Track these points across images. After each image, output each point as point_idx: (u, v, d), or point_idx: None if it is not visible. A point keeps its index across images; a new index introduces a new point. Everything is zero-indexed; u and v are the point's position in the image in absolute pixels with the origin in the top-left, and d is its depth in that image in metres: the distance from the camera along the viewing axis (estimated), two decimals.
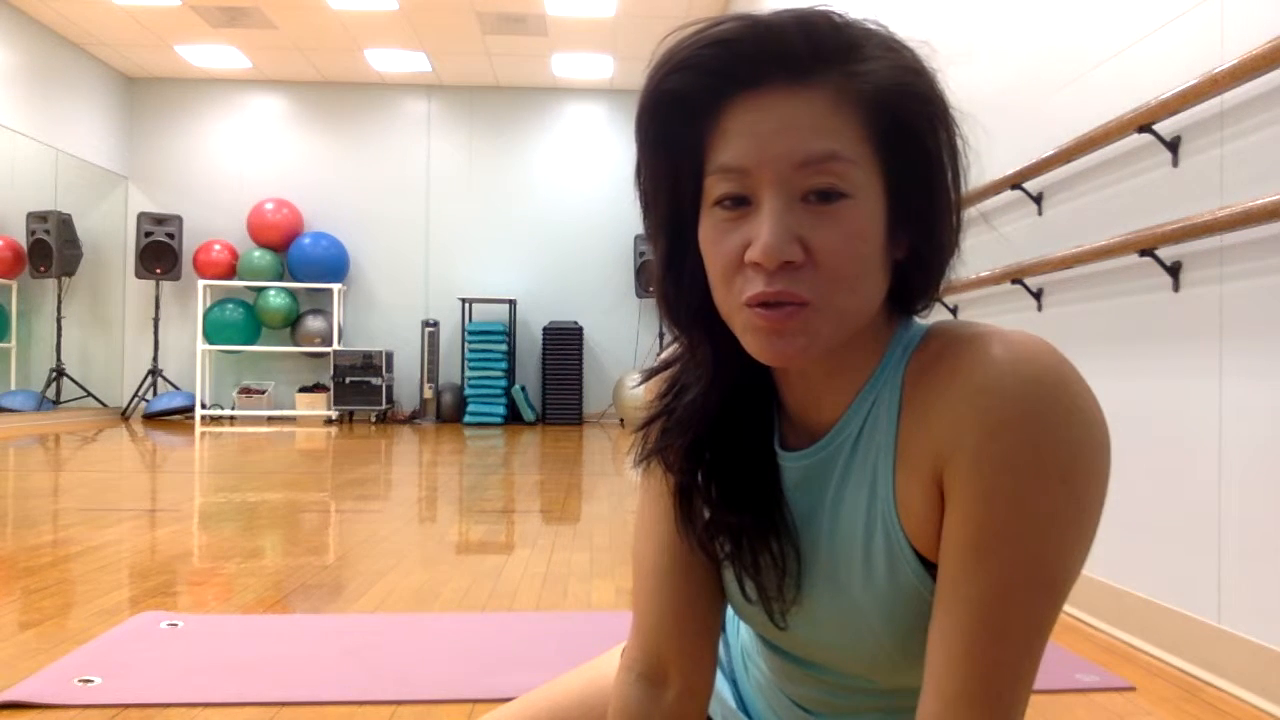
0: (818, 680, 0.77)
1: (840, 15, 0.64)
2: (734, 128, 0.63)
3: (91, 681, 1.58)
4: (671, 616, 0.76)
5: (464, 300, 9.85)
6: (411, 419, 9.85)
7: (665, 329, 0.73)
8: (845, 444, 0.69)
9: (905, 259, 0.66)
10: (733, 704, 0.88)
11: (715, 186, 0.64)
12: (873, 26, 0.65)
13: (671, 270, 0.69)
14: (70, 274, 9.11)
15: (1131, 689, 1.64)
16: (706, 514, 0.73)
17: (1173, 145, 1.83)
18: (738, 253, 0.62)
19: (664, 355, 0.78)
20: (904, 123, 0.63)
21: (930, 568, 0.65)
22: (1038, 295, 2.37)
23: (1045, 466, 0.58)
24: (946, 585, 0.61)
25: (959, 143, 0.66)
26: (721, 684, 0.89)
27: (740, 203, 0.63)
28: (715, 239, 0.64)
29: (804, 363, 0.64)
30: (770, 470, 0.73)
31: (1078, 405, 0.59)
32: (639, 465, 0.76)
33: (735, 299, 0.64)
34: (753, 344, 0.64)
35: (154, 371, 9.63)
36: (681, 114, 0.65)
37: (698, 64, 0.63)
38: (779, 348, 0.63)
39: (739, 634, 0.91)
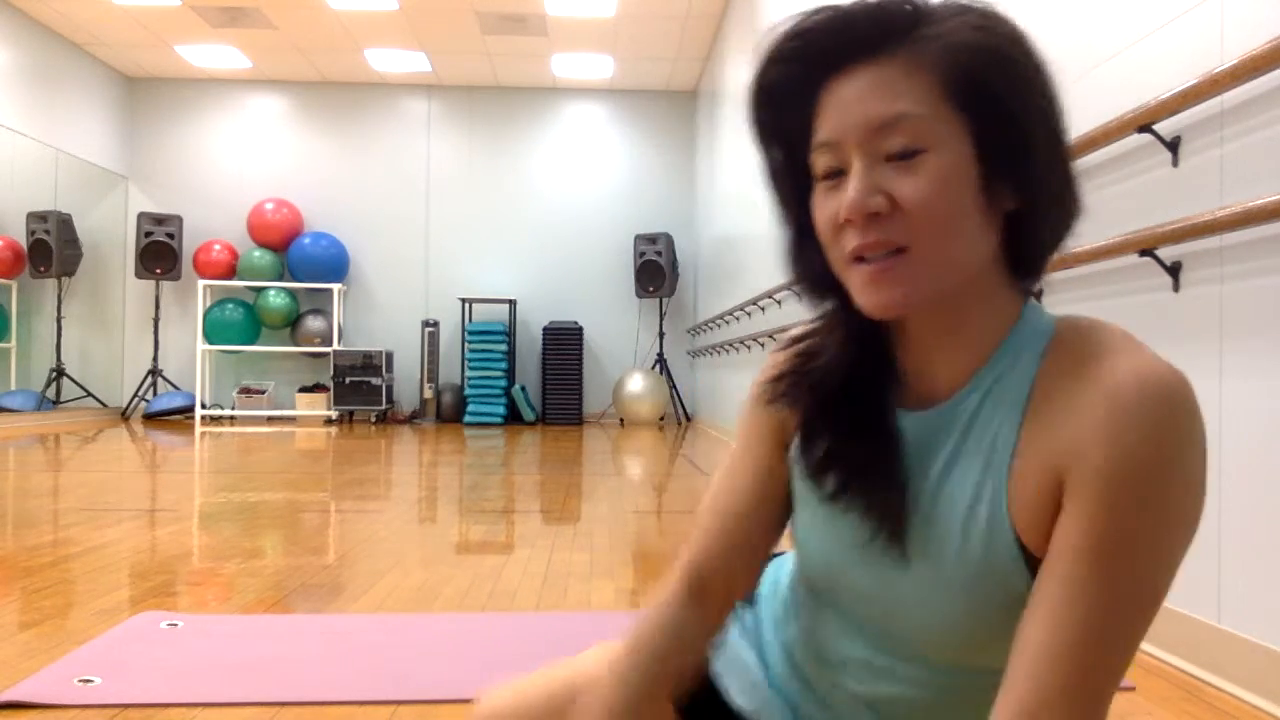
0: (864, 640, 0.78)
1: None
2: (823, 110, 0.69)
3: (91, 681, 1.58)
4: (737, 538, 0.82)
5: (464, 300, 9.86)
6: (411, 419, 9.85)
7: (805, 303, 0.80)
8: (964, 414, 0.71)
9: (1018, 211, 0.69)
10: (756, 669, 0.89)
11: (817, 163, 0.70)
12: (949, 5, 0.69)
13: (800, 244, 0.76)
14: (70, 274, 9.11)
15: (1131, 689, 1.64)
16: (824, 447, 0.76)
17: (1173, 145, 1.83)
18: (837, 216, 0.68)
19: (796, 331, 0.83)
20: (977, 77, 0.66)
21: (1025, 555, 0.67)
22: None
23: (1170, 484, 0.62)
24: (1055, 582, 0.63)
25: (1048, 95, 0.69)
26: (746, 650, 0.90)
27: (837, 174, 0.69)
28: (821, 207, 0.70)
29: (908, 310, 0.68)
30: (890, 421, 0.75)
31: (1198, 433, 0.63)
32: (771, 402, 0.80)
33: (842, 259, 0.69)
34: (861, 298, 0.68)
35: (154, 371, 9.63)
36: (780, 103, 0.72)
37: (783, 56, 0.70)
38: (882, 297, 0.67)
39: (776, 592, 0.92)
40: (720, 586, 0.82)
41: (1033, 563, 0.67)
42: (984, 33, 0.67)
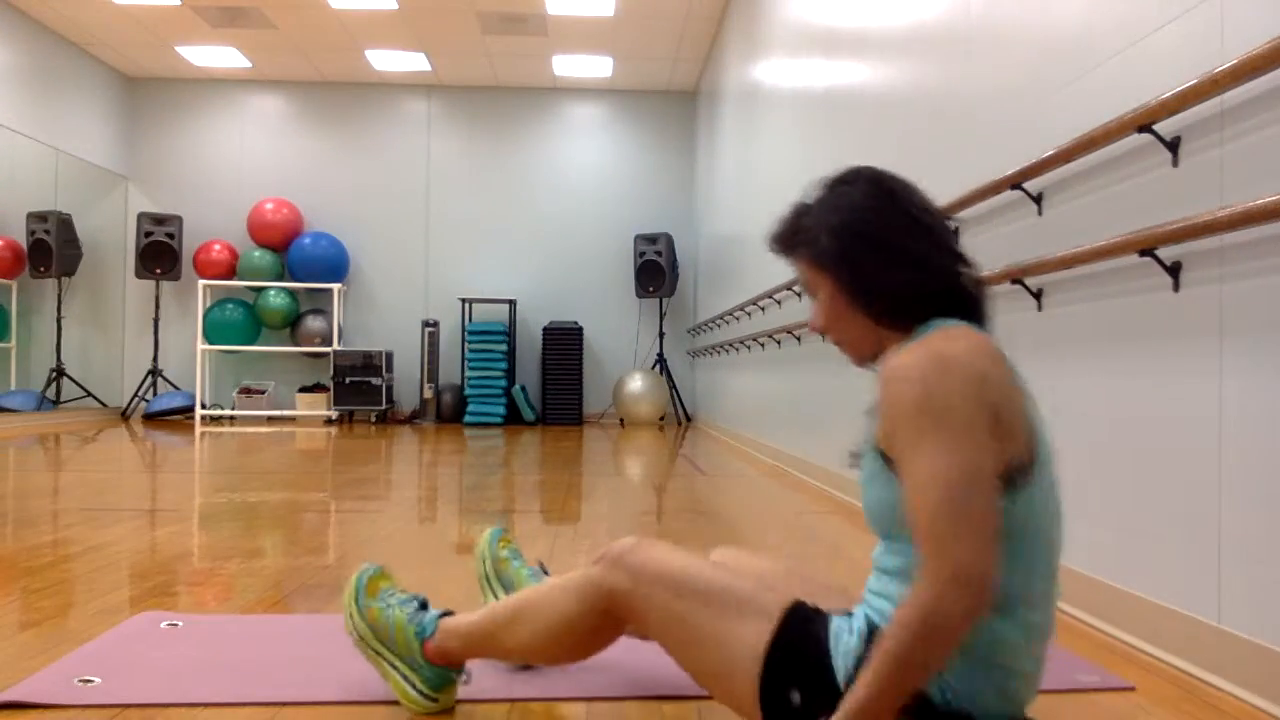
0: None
1: (799, 204, 1.29)
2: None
3: (91, 681, 1.58)
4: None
5: (464, 300, 9.86)
6: (411, 419, 9.85)
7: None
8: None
9: (876, 309, 1.23)
10: None
11: None
12: (814, 201, 1.27)
13: None
14: (70, 274, 9.11)
15: (1131, 689, 1.64)
16: None
17: (1173, 145, 1.83)
18: None
19: None
20: (821, 260, 1.25)
21: (884, 458, 1.16)
22: (1038, 295, 2.37)
23: (920, 411, 1.07)
24: (899, 470, 1.11)
25: (880, 242, 1.21)
26: None
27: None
28: None
29: (861, 366, 1.30)
30: None
31: (932, 376, 1.08)
32: None
33: None
34: None
35: (154, 371, 9.63)
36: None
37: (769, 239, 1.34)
38: (850, 361, 1.32)
39: None
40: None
41: (884, 459, 1.15)
42: (825, 232, 1.23)
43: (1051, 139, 2.30)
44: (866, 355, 1.26)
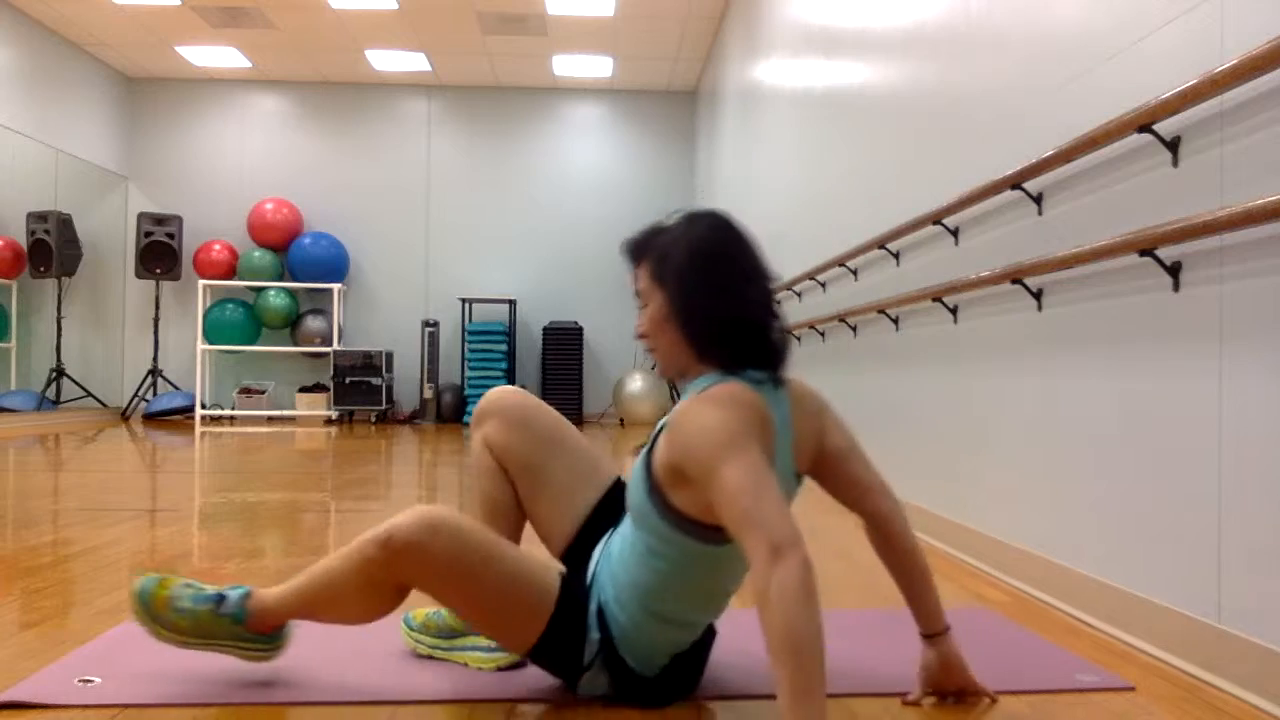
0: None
1: (657, 224, 1.50)
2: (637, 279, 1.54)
3: (92, 681, 1.58)
4: None
5: (464, 300, 9.86)
6: (411, 419, 9.85)
7: None
8: (680, 404, 1.43)
9: (694, 335, 1.45)
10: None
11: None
12: (670, 226, 1.48)
13: None
14: (70, 274, 9.12)
15: (1131, 689, 1.64)
16: None
17: (1173, 145, 1.83)
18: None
19: None
20: (661, 274, 1.46)
21: (649, 474, 1.43)
22: (1038, 295, 2.37)
23: (706, 442, 1.30)
24: (710, 490, 1.29)
25: (710, 279, 1.42)
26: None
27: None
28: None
29: (665, 376, 1.53)
30: None
31: (711, 413, 1.32)
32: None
33: None
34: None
35: (154, 371, 9.63)
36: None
37: (623, 251, 1.56)
38: (658, 368, 1.54)
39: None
40: None
41: (650, 475, 1.42)
42: (673, 256, 1.44)
43: (1051, 139, 2.30)
44: (673, 369, 1.48)
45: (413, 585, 1.47)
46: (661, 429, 1.42)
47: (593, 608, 1.51)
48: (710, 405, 1.32)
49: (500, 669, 1.67)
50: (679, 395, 1.65)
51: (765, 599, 1.15)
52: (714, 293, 1.41)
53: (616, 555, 1.51)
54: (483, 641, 1.68)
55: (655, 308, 1.45)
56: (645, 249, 1.48)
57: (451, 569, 1.42)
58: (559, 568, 1.56)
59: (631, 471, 1.48)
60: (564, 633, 1.48)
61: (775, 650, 1.13)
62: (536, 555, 1.53)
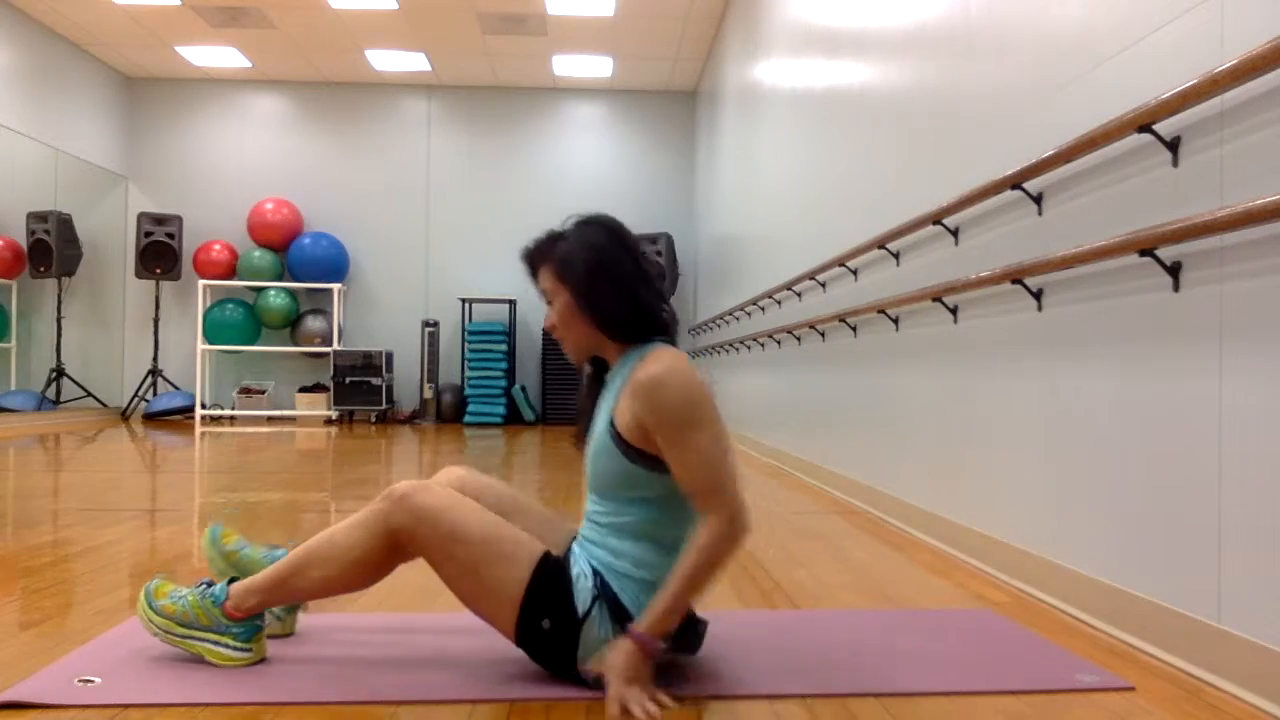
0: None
1: (562, 227, 1.72)
2: (540, 281, 1.73)
3: (92, 681, 1.58)
4: None
5: (464, 300, 9.86)
6: (411, 419, 9.85)
7: None
8: (611, 386, 1.68)
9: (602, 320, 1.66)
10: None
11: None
12: (567, 232, 1.70)
13: None
14: (70, 274, 9.12)
15: (1131, 689, 1.64)
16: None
17: (1173, 145, 1.83)
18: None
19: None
20: (563, 271, 1.67)
21: (620, 441, 1.59)
22: (1038, 295, 2.37)
23: (677, 409, 1.53)
24: (674, 463, 1.55)
25: (608, 271, 1.65)
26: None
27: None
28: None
29: (576, 363, 1.76)
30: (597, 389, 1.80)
31: (680, 384, 1.54)
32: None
33: None
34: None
35: (154, 371, 9.63)
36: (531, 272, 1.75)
37: (523, 257, 1.76)
38: (567, 358, 1.75)
39: None
40: None
41: (621, 442, 1.59)
42: (567, 257, 1.66)
43: (1052, 139, 2.30)
44: (584, 354, 1.72)
45: (409, 536, 1.59)
46: (615, 399, 1.61)
47: (578, 568, 1.61)
48: (666, 367, 1.55)
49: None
50: (596, 381, 1.78)
51: (705, 550, 1.50)
52: (612, 287, 1.64)
53: (597, 536, 1.65)
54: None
55: (562, 303, 1.66)
56: (546, 254, 1.68)
57: (446, 515, 1.58)
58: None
59: (591, 450, 1.65)
60: (552, 581, 1.58)
61: (690, 579, 1.50)
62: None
